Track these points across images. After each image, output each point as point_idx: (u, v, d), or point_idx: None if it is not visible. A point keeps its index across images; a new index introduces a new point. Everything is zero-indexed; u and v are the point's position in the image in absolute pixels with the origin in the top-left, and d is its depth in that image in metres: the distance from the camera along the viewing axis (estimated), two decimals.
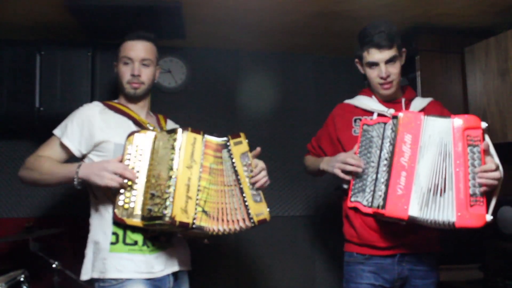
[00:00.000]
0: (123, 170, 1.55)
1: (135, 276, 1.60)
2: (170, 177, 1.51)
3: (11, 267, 2.18)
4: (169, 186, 1.50)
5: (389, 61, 1.85)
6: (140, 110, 1.82)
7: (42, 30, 2.50)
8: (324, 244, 3.04)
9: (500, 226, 2.34)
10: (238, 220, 1.64)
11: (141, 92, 1.78)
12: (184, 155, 1.54)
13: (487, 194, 1.62)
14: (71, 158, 1.71)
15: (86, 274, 1.65)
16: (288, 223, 3.03)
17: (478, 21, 2.47)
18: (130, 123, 1.73)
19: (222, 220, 1.62)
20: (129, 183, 1.57)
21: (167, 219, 1.46)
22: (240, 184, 1.66)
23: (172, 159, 1.53)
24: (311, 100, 3.11)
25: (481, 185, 1.59)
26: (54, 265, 2.26)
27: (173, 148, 1.54)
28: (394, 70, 1.87)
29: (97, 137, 1.66)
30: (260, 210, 1.69)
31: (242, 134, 1.72)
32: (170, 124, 1.95)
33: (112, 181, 1.54)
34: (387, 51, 1.84)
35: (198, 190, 1.56)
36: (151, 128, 1.74)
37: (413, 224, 1.68)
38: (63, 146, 1.69)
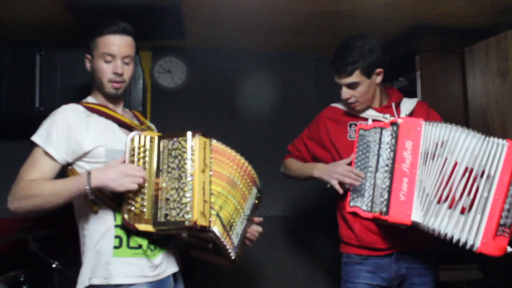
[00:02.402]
0: (143, 171, 1.50)
1: (140, 281, 1.56)
2: (187, 182, 1.48)
3: (11, 267, 2.18)
4: (187, 191, 1.48)
5: (349, 86, 1.85)
6: (118, 107, 1.73)
7: (42, 30, 2.50)
8: (323, 244, 3.04)
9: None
10: (233, 243, 1.63)
11: (121, 92, 1.69)
12: (198, 159, 1.51)
13: None
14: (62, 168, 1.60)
15: (83, 282, 1.56)
16: (288, 223, 3.03)
17: (478, 21, 2.47)
18: (115, 126, 1.66)
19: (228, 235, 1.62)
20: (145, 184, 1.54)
21: (187, 223, 1.45)
22: (247, 221, 1.72)
23: (186, 164, 1.50)
24: (311, 100, 3.11)
25: None
26: (54, 265, 2.26)
27: (185, 152, 1.50)
28: (356, 93, 1.86)
29: (86, 146, 1.56)
30: (239, 252, 1.72)
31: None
32: (148, 122, 1.89)
33: (133, 184, 1.48)
34: (346, 78, 1.83)
35: (211, 194, 1.56)
36: (143, 128, 1.69)
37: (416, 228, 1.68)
38: (48, 156, 1.55)
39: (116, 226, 1.57)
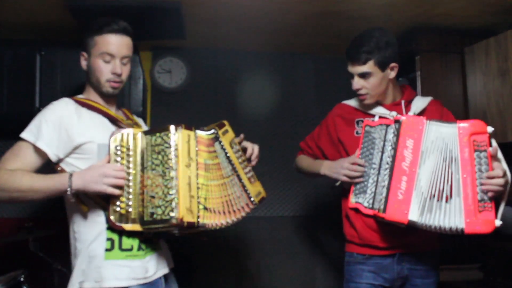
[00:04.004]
0: (122, 171, 1.48)
1: (132, 283, 1.54)
2: (171, 178, 1.45)
3: (11, 267, 2.18)
4: (171, 187, 1.45)
5: (362, 75, 1.84)
6: (111, 106, 1.70)
7: (42, 30, 2.50)
8: (324, 244, 3.04)
9: (500, 226, 2.34)
10: (242, 207, 1.64)
11: (118, 91, 1.67)
12: (182, 153, 1.49)
13: (496, 199, 1.61)
14: (45, 163, 1.57)
15: (72, 286, 1.53)
16: (288, 223, 3.03)
17: (478, 21, 2.47)
18: (106, 120, 1.63)
19: (229, 212, 1.60)
20: (130, 177, 1.51)
21: (174, 221, 1.42)
22: (236, 172, 1.65)
23: (170, 159, 1.47)
24: (311, 100, 3.11)
25: (487, 191, 1.58)
26: (54, 265, 2.26)
27: (168, 147, 1.48)
28: (367, 84, 1.85)
29: (77, 139, 1.53)
30: (258, 190, 1.71)
31: (226, 122, 1.71)
32: (136, 118, 1.87)
33: (111, 188, 1.46)
34: (359, 67, 1.83)
35: (198, 188, 1.53)
36: (128, 124, 1.67)
37: (414, 227, 1.68)
38: (38, 151, 1.52)
39: (108, 228, 1.55)
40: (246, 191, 1.66)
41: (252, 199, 1.66)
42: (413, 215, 1.64)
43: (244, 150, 1.73)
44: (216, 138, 1.63)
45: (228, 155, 1.64)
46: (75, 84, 2.44)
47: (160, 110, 2.94)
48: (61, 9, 2.20)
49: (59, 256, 2.30)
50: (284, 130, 3.05)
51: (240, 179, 1.65)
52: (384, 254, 1.84)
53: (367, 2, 2.21)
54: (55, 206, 2.74)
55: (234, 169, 1.65)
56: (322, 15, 2.38)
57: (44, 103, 2.40)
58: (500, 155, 1.66)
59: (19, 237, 2.33)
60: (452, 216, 1.60)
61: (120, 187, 1.49)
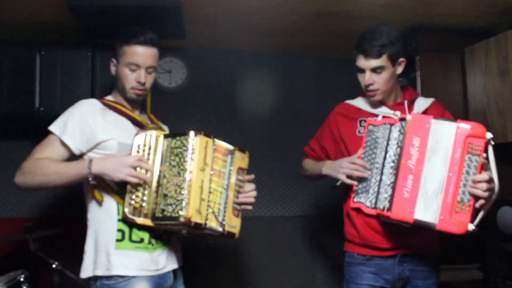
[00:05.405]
0: (141, 162, 1.57)
1: (141, 274, 1.63)
2: (185, 179, 1.54)
3: (11, 267, 2.18)
4: (184, 188, 1.53)
5: (374, 70, 1.84)
6: (135, 109, 1.82)
7: (42, 30, 2.50)
8: (324, 244, 3.04)
9: (500, 226, 2.34)
10: (220, 222, 1.67)
11: (142, 98, 1.80)
12: (198, 158, 1.57)
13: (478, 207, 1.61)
14: (71, 157, 1.69)
15: (86, 272, 1.64)
16: (288, 223, 3.03)
17: (478, 21, 2.47)
18: (129, 123, 1.74)
19: (219, 220, 1.66)
20: (148, 174, 1.59)
21: (182, 219, 1.51)
22: (227, 191, 1.70)
23: (186, 162, 1.56)
24: (311, 100, 3.11)
25: (470, 194, 1.59)
26: (54, 265, 2.26)
27: (186, 150, 1.56)
28: (379, 79, 1.84)
29: (100, 136, 1.65)
30: (234, 224, 1.71)
31: (247, 153, 1.79)
32: (161, 124, 1.97)
33: (130, 175, 1.55)
34: (373, 60, 1.82)
35: (210, 192, 1.61)
36: (153, 128, 1.77)
37: (416, 226, 1.68)
38: (63, 145, 1.65)
39: (119, 220, 1.64)
40: (224, 212, 1.67)
41: (224, 222, 1.66)
42: (419, 213, 1.63)
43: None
44: (231, 153, 1.71)
45: (230, 172, 1.71)
46: (75, 84, 2.44)
47: (160, 110, 2.92)
48: (61, 9, 2.20)
49: (59, 256, 2.31)
50: (284, 130, 3.05)
51: (226, 200, 1.69)
52: (386, 255, 1.84)
53: (367, 2, 2.21)
54: (55, 206, 2.75)
55: (228, 185, 1.70)
56: (322, 15, 2.38)
57: (44, 103, 2.42)
58: (493, 165, 1.63)
59: (19, 237, 2.33)
60: (432, 211, 1.61)
61: (136, 179, 1.57)
